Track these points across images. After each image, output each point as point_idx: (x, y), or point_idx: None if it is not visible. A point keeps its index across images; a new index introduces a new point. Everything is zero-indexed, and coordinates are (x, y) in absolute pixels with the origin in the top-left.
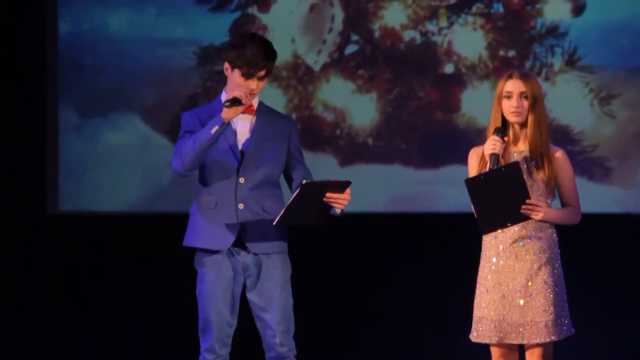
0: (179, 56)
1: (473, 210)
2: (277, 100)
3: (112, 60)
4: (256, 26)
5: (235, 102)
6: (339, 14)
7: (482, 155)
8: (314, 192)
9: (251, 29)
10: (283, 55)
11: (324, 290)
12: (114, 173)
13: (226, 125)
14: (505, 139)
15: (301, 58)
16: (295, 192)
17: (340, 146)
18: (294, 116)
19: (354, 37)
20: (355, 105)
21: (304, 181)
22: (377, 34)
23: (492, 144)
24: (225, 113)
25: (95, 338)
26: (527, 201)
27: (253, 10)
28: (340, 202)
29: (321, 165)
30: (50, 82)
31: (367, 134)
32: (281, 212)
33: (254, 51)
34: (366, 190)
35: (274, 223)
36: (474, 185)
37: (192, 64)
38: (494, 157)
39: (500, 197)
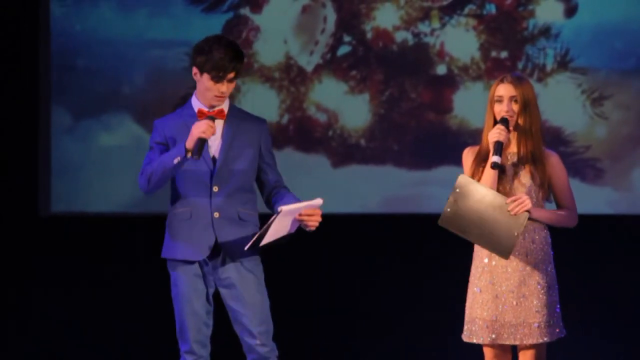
0: (171, 57)
1: (478, 245)
2: (270, 101)
3: (105, 61)
4: (248, 27)
5: (201, 143)
6: (331, 15)
7: (477, 155)
8: (288, 216)
9: (243, 29)
10: (275, 56)
11: (317, 291)
12: (107, 174)
13: (187, 158)
14: (511, 129)
15: (293, 59)
16: (271, 219)
17: (332, 147)
18: (286, 117)
19: (347, 38)
20: (348, 107)
21: (280, 208)
22: (369, 35)
23: (497, 132)
24: (189, 142)
25: (90, 339)
26: (508, 201)
27: (245, 11)
28: (313, 220)
29: (314, 167)
30: (43, 83)
31: (360, 135)
32: (254, 237)
33: (221, 54)
34: (359, 191)
35: (245, 248)
36: (447, 220)
37: (185, 64)
38: (498, 144)
39: (481, 214)
